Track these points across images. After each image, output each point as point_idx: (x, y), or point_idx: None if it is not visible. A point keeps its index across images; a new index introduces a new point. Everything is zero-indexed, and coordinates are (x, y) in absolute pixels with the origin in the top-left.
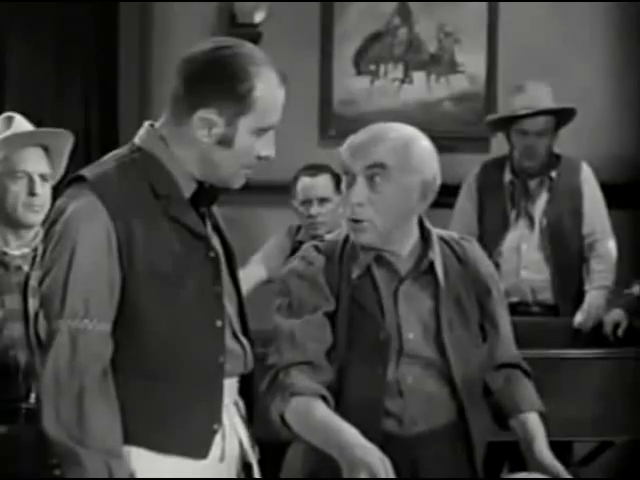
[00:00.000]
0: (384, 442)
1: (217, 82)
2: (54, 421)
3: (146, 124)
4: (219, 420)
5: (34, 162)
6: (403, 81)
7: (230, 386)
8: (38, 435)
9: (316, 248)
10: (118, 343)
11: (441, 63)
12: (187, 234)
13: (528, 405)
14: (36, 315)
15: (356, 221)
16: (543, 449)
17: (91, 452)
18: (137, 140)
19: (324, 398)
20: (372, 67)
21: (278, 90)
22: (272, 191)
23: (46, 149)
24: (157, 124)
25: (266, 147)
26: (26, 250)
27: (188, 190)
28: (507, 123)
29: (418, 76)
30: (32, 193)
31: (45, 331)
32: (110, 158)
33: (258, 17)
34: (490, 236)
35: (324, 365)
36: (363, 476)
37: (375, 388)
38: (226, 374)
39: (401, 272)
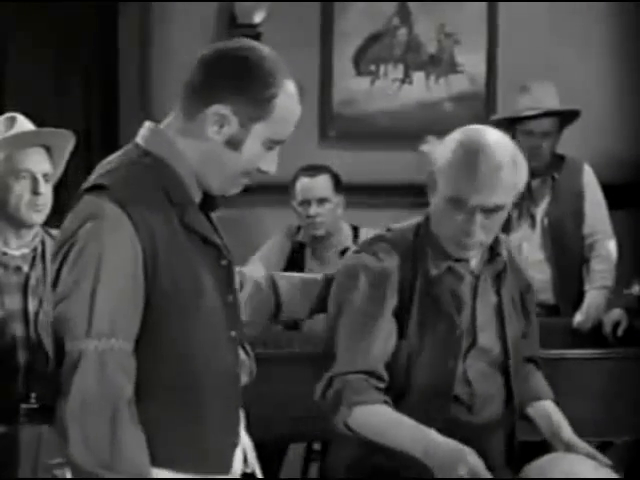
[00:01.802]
0: (454, 428)
1: (239, 80)
2: (83, 446)
3: (148, 124)
4: (238, 433)
5: (37, 162)
6: (403, 81)
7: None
8: (38, 435)
9: (387, 242)
10: (139, 359)
11: (441, 63)
12: (200, 242)
13: (546, 394)
14: (36, 315)
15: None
16: (569, 431)
17: (114, 475)
18: (141, 141)
19: (387, 403)
20: (372, 67)
21: (297, 106)
22: (272, 191)
23: (48, 149)
24: (162, 124)
25: (269, 162)
26: (26, 250)
27: (197, 195)
28: (511, 123)
29: (418, 76)
30: (36, 192)
31: (65, 352)
32: (120, 164)
33: (258, 17)
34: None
35: (383, 373)
36: (463, 474)
37: (446, 377)
38: None
39: (475, 270)
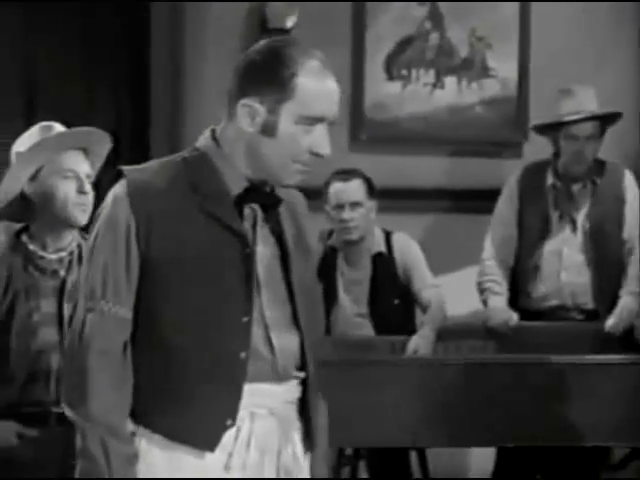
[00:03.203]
0: None
1: (259, 70)
2: (64, 395)
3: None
4: (233, 417)
5: (80, 162)
6: (435, 86)
7: (261, 392)
8: (68, 439)
9: None
10: (137, 327)
11: (473, 68)
12: (221, 229)
13: None
14: (70, 319)
15: None
16: None
17: (91, 426)
18: (197, 141)
19: None
20: (404, 72)
21: (324, 81)
22: (305, 196)
23: (85, 151)
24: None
25: (318, 143)
26: (63, 254)
27: (237, 188)
28: (554, 127)
29: (449, 81)
30: (82, 192)
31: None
32: (167, 158)
33: (289, 22)
34: (529, 239)
35: None
36: None
37: None
38: (251, 378)
39: None
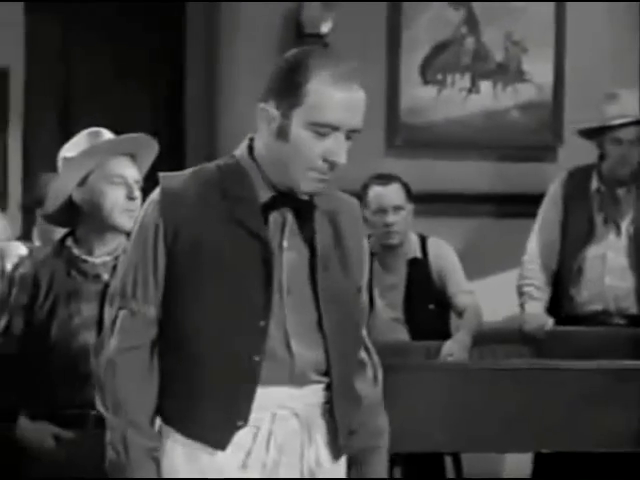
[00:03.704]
0: None
1: (279, 76)
2: (97, 389)
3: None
4: (245, 418)
5: (128, 168)
6: (470, 90)
7: (281, 394)
8: (105, 442)
9: None
10: (162, 327)
11: (508, 72)
12: (244, 234)
13: None
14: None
15: None
16: None
17: (114, 419)
18: (236, 150)
19: None
20: (439, 76)
21: (339, 90)
22: None
23: (133, 157)
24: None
25: (332, 151)
26: (107, 258)
27: (265, 195)
28: (599, 131)
29: (485, 85)
30: (131, 197)
31: None
32: (205, 164)
33: (325, 27)
34: (573, 243)
35: None
36: None
37: None
38: (268, 380)
39: None
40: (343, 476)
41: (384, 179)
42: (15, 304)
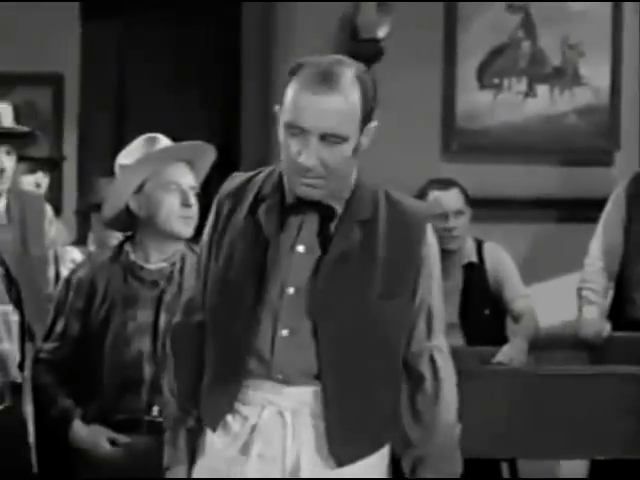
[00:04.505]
0: None
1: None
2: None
3: None
4: (229, 405)
5: (184, 175)
6: (527, 95)
7: (268, 390)
8: (159, 447)
9: None
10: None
11: (565, 76)
12: (256, 233)
13: None
14: (166, 330)
15: None
16: None
17: (169, 415)
18: None
19: None
20: (496, 81)
21: (310, 92)
22: None
23: (189, 163)
24: None
25: (302, 153)
26: (164, 265)
27: (291, 199)
28: None
29: (541, 89)
30: (186, 204)
31: None
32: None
33: (381, 32)
34: (636, 246)
35: None
36: None
37: None
38: (253, 375)
39: None
40: None
41: (444, 184)
42: (71, 309)
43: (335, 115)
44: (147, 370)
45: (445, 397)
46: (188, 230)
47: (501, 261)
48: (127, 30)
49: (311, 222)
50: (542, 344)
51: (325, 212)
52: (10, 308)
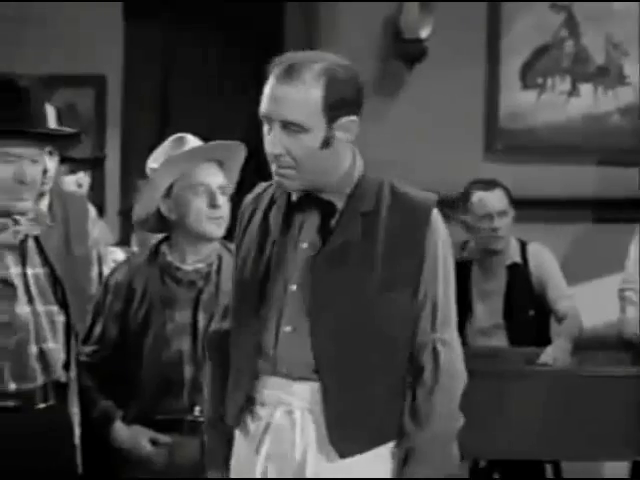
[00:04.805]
0: None
1: None
2: None
3: None
4: (241, 397)
5: (212, 175)
6: (570, 94)
7: (274, 387)
8: (201, 447)
9: None
10: None
11: (609, 75)
12: (266, 232)
13: None
14: (205, 330)
15: None
16: None
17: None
18: None
19: None
20: (539, 80)
21: (271, 81)
22: (437, 206)
23: (220, 163)
24: None
25: (264, 140)
26: (200, 265)
27: (295, 196)
28: None
29: (585, 89)
30: (213, 205)
31: None
32: None
33: (424, 32)
34: None
35: None
36: None
37: None
38: (262, 371)
39: None
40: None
41: (487, 184)
42: (110, 311)
43: (293, 104)
44: (187, 370)
45: (442, 389)
46: (218, 230)
47: (545, 261)
48: (170, 30)
49: (313, 219)
50: (586, 345)
51: (325, 208)
52: (55, 308)
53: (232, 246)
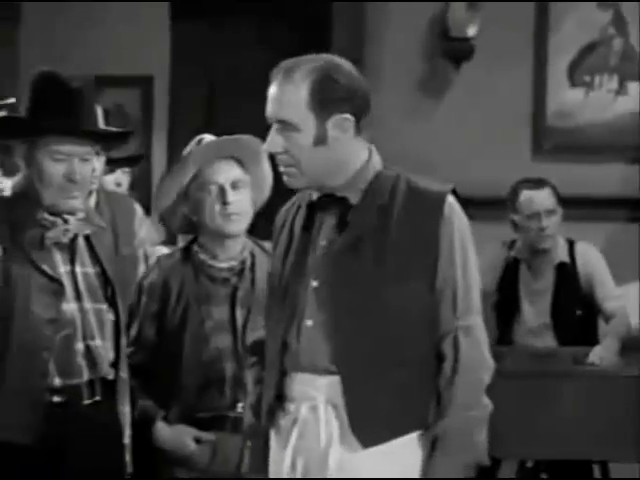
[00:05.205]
0: None
1: None
2: None
3: None
4: (272, 396)
5: (223, 171)
6: (618, 92)
7: (300, 382)
8: (244, 444)
9: None
10: None
11: None
12: (292, 233)
13: None
14: (244, 326)
15: None
16: None
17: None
18: None
19: None
20: (587, 78)
21: (271, 84)
22: (485, 206)
23: (237, 159)
24: None
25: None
26: (234, 263)
27: (315, 195)
28: None
29: (633, 87)
30: (224, 202)
31: None
32: None
33: (471, 31)
34: None
35: None
36: None
37: None
38: (290, 367)
39: None
40: (366, 468)
41: (536, 183)
42: (145, 313)
43: (284, 103)
44: (228, 367)
45: (462, 379)
46: (234, 226)
47: (592, 261)
48: (216, 31)
49: (331, 217)
50: (634, 345)
51: (340, 204)
52: (104, 306)
53: (265, 244)
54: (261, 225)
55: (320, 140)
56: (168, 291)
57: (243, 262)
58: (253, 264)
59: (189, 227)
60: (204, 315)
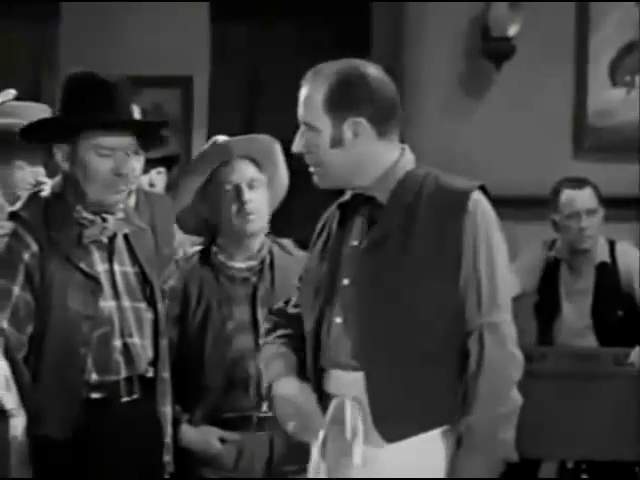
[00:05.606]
0: None
1: None
2: None
3: None
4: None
5: (238, 171)
6: None
7: (332, 378)
8: (270, 443)
9: None
10: None
11: None
12: (328, 232)
13: None
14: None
15: None
16: None
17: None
18: None
19: None
20: (627, 78)
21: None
22: (525, 205)
23: (252, 159)
24: None
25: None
26: (253, 262)
27: (349, 196)
28: None
29: None
30: (240, 201)
31: None
32: None
33: (512, 30)
34: None
35: None
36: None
37: None
38: (324, 364)
39: None
40: (393, 463)
41: (577, 183)
42: (167, 316)
43: (304, 106)
44: (252, 367)
45: (486, 377)
46: (251, 225)
47: (634, 261)
48: (256, 31)
49: (361, 215)
50: None
51: (370, 204)
52: (143, 305)
53: (283, 241)
54: (277, 224)
55: (336, 142)
56: (188, 294)
57: (262, 261)
58: (272, 262)
59: (203, 229)
60: (226, 316)
